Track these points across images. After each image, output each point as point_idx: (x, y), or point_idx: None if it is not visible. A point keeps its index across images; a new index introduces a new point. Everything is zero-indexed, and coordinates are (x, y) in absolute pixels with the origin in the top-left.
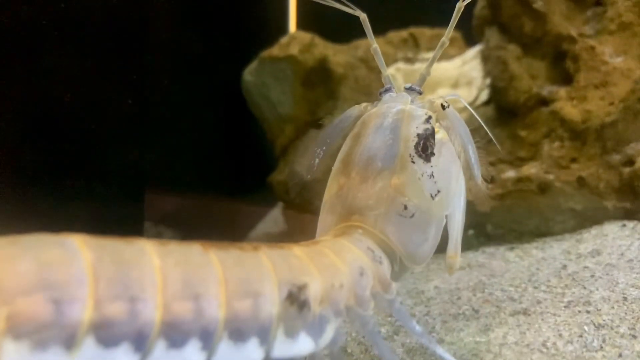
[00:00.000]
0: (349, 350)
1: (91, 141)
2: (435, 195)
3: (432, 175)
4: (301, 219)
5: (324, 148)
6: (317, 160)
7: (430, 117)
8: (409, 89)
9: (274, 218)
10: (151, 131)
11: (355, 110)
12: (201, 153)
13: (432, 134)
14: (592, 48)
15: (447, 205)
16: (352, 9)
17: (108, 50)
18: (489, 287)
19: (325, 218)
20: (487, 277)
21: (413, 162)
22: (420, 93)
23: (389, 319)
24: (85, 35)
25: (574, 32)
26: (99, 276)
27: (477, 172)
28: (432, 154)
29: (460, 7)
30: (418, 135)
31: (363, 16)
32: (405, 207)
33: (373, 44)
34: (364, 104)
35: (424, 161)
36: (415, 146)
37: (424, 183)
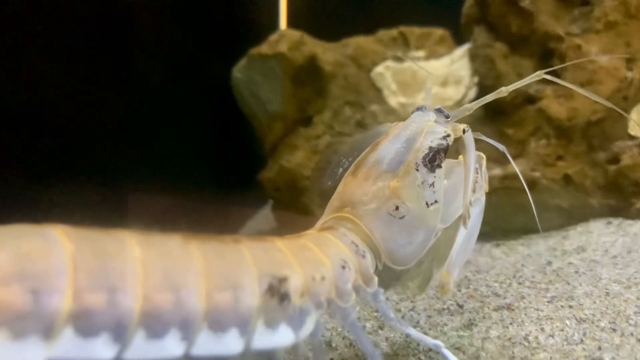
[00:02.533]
0: (334, 345)
1: (74, 139)
2: (432, 204)
3: (432, 185)
4: (291, 217)
5: (350, 159)
6: (341, 170)
7: (448, 136)
8: (438, 110)
9: (264, 216)
10: (137, 129)
11: (386, 126)
12: (190, 151)
13: (445, 150)
14: (579, 47)
15: (444, 218)
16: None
17: (94, 48)
18: (474, 282)
19: (324, 213)
20: (472, 273)
21: (417, 170)
22: (447, 117)
23: (375, 314)
24: (71, 33)
25: (560, 31)
26: (79, 267)
27: (467, 197)
28: (439, 166)
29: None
30: (430, 147)
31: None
32: (397, 208)
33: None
34: (395, 122)
35: (427, 170)
36: (424, 157)
37: (423, 190)
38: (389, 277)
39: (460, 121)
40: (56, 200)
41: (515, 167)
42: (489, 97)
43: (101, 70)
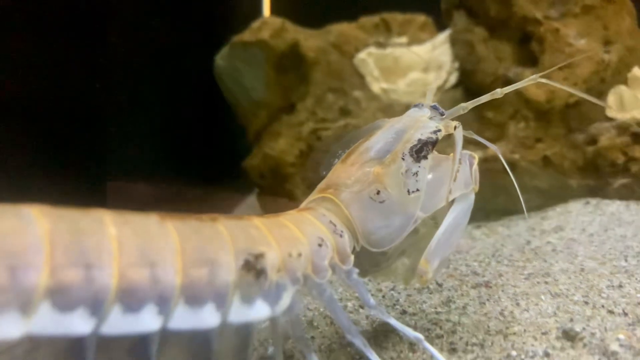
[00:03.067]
0: (315, 324)
1: (52, 127)
2: (413, 192)
3: (416, 174)
4: (277, 204)
5: (346, 150)
6: (336, 160)
7: (439, 130)
8: (434, 107)
9: (250, 204)
10: (117, 118)
11: (384, 121)
12: (173, 140)
13: (433, 143)
14: (557, 30)
15: (425, 207)
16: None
17: (71, 35)
18: (454, 262)
19: (311, 195)
20: (452, 253)
21: (403, 159)
22: (442, 114)
23: (357, 294)
24: (49, 19)
25: (539, 15)
26: (55, 244)
27: (449, 186)
28: (425, 158)
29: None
30: (419, 140)
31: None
32: (378, 193)
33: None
34: (393, 118)
35: (413, 160)
36: (411, 147)
37: (406, 178)
38: (368, 262)
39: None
40: (32, 189)
41: (506, 165)
42: (484, 98)
43: (80, 57)
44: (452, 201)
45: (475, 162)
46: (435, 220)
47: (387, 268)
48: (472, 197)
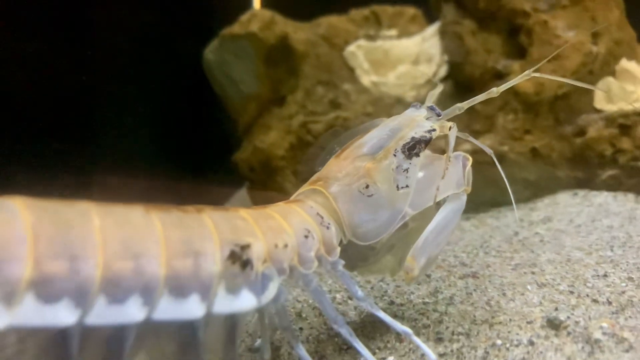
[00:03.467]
0: (304, 315)
1: (36, 119)
2: (402, 188)
3: (406, 171)
4: (267, 198)
5: (342, 147)
6: (331, 156)
7: (433, 130)
8: (431, 108)
9: (240, 197)
10: (106, 111)
11: (381, 120)
12: (163, 134)
13: (426, 142)
14: (545, 22)
15: (414, 204)
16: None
17: (57, 26)
18: (442, 254)
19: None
20: (444, 249)
21: (394, 155)
22: (439, 115)
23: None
24: (33, 10)
25: (527, 7)
26: (39, 236)
27: (437, 187)
28: (417, 155)
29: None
30: (412, 138)
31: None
32: (367, 187)
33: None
34: (391, 117)
35: (405, 157)
36: (404, 145)
37: (396, 174)
38: (356, 257)
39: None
40: (14, 183)
41: (498, 164)
42: (480, 97)
43: (66, 49)
44: (443, 200)
45: (469, 163)
46: (425, 218)
47: (375, 263)
48: (464, 198)
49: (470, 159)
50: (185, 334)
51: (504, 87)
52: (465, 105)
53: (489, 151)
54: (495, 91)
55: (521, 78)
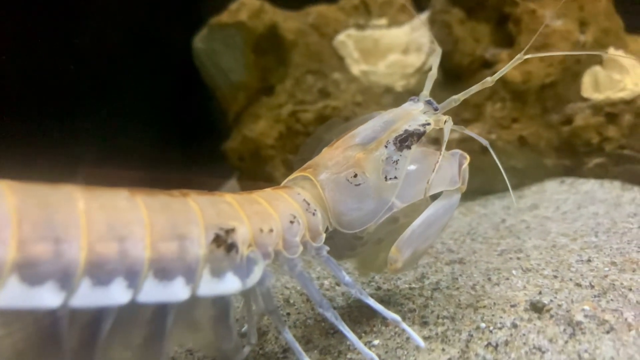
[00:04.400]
0: (292, 301)
1: (22, 110)
2: (390, 179)
3: (396, 162)
4: (258, 187)
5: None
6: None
7: (428, 124)
8: (427, 102)
9: (231, 187)
10: (92, 100)
11: (379, 113)
12: (152, 123)
13: (419, 135)
14: (533, 11)
15: (402, 197)
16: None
17: (44, 15)
18: None
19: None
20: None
21: (386, 147)
22: (435, 109)
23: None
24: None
25: None
26: (23, 218)
27: (428, 181)
28: (408, 148)
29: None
30: (405, 130)
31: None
32: (355, 176)
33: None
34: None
35: (396, 149)
36: (396, 137)
37: (385, 165)
38: (343, 245)
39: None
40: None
41: (493, 154)
42: (475, 88)
43: (53, 39)
44: (436, 196)
45: (466, 162)
46: (416, 213)
47: (363, 253)
48: (458, 196)
49: (468, 157)
50: (156, 322)
51: (498, 75)
52: (460, 97)
53: (485, 142)
54: (490, 80)
55: (514, 63)
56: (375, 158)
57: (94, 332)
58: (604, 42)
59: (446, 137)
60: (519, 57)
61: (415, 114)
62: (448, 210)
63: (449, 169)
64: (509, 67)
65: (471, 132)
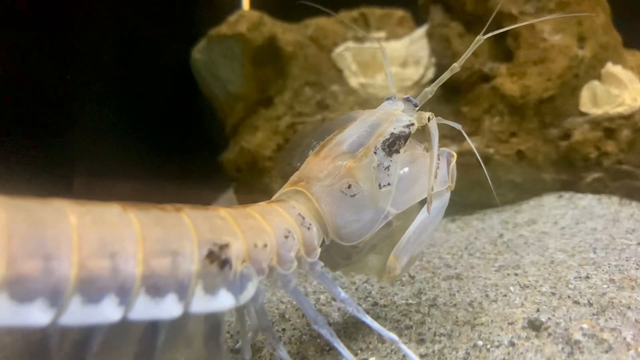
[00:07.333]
0: (287, 316)
1: (16, 120)
2: (384, 186)
3: (387, 168)
4: (255, 199)
5: (320, 142)
6: (310, 152)
7: (412, 124)
8: (406, 100)
9: (228, 199)
10: (88, 111)
11: (358, 113)
12: (150, 134)
13: (406, 137)
14: (532, 26)
15: (397, 203)
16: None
17: (39, 25)
18: (427, 255)
19: (283, 187)
20: (427, 247)
21: (375, 153)
22: (415, 105)
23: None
24: (14, 8)
25: (514, 10)
26: (12, 234)
27: (430, 182)
28: (397, 152)
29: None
30: (392, 134)
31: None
32: (349, 186)
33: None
34: (366, 110)
35: (385, 154)
36: (384, 141)
37: (377, 172)
38: (339, 255)
39: (423, 106)
40: None
41: (471, 143)
42: (445, 76)
43: (49, 48)
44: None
45: (454, 160)
46: (408, 215)
47: (358, 261)
48: (448, 195)
49: (455, 155)
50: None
51: (462, 59)
52: (433, 87)
53: (458, 126)
54: (456, 66)
55: (474, 46)
56: (366, 166)
57: (84, 349)
58: (602, 56)
59: (435, 135)
60: (479, 39)
61: (397, 114)
62: (440, 210)
63: (440, 170)
64: (470, 51)
65: (447, 120)
